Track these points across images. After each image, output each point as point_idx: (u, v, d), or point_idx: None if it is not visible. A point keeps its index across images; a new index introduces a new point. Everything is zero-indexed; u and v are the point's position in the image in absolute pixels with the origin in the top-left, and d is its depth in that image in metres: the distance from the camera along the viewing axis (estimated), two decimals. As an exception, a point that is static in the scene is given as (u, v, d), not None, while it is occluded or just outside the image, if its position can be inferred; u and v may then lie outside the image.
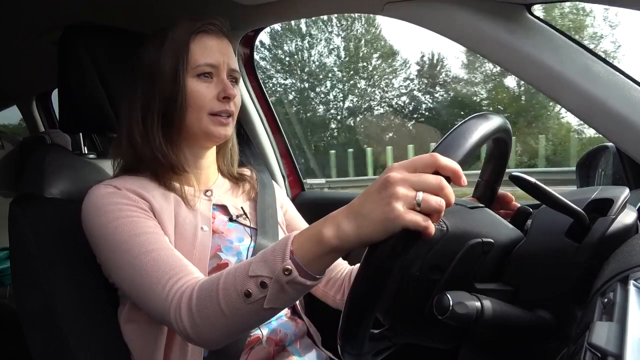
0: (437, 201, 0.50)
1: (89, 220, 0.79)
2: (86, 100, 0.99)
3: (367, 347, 0.59)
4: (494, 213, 0.71)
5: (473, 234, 0.62)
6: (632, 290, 0.42)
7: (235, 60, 0.89)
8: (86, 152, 1.15)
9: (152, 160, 0.85)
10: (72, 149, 1.88)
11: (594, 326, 0.40)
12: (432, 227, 0.50)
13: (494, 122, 0.58)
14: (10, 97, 2.45)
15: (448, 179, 0.51)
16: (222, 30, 0.88)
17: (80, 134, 1.17)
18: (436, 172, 0.51)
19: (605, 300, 0.44)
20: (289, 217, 1.06)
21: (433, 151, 0.52)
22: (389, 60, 22.03)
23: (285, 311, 0.93)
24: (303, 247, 0.58)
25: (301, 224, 1.07)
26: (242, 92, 1.34)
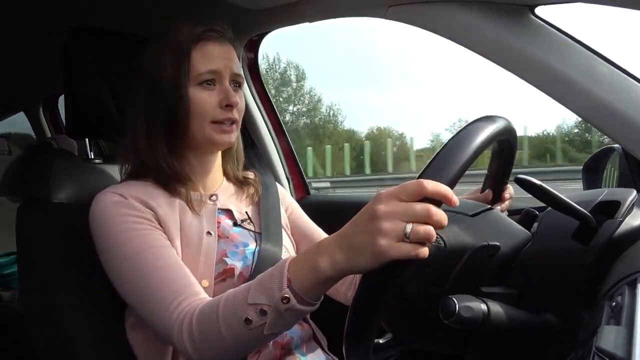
0: (425, 231, 0.49)
1: (96, 231, 0.80)
2: (92, 104, 0.99)
3: (372, 358, 0.59)
4: (500, 214, 0.70)
5: (473, 245, 0.61)
6: (640, 293, 0.42)
7: (238, 64, 0.87)
8: (92, 157, 1.15)
9: (156, 168, 0.84)
10: (79, 154, 1.89)
11: (602, 330, 0.39)
12: (424, 252, 0.50)
13: (491, 128, 0.55)
14: (17, 103, 2.47)
15: (439, 202, 0.50)
16: (224, 35, 0.86)
17: (87, 139, 1.17)
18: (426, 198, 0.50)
19: (613, 304, 0.44)
20: (294, 218, 1.05)
21: (419, 177, 0.51)
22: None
23: None
24: (299, 276, 0.59)
25: (307, 223, 1.06)
26: (247, 97, 1.34)
